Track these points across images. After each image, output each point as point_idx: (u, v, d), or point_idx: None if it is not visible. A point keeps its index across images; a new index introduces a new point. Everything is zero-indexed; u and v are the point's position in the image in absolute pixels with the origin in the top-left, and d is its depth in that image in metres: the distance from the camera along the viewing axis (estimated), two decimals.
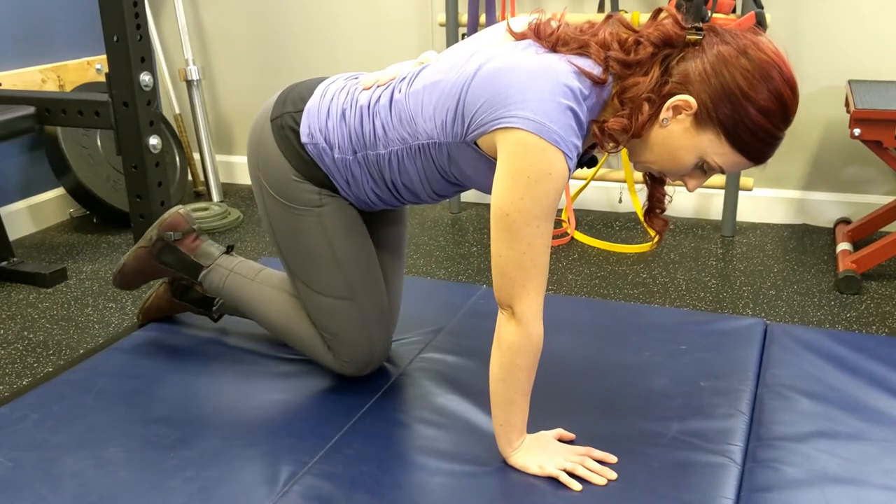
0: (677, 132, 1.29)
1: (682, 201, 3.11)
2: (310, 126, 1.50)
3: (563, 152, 1.24)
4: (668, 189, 1.48)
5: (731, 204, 2.92)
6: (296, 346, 1.72)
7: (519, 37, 1.37)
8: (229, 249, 1.82)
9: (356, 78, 1.55)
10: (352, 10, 3.35)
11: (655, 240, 1.51)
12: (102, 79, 3.10)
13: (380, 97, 1.46)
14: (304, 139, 1.51)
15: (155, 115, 2.48)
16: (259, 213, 1.64)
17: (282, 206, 1.56)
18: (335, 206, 1.56)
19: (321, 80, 1.58)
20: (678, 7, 2.50)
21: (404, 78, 1.46)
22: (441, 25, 3.09)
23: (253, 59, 3.54)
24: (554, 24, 1.34)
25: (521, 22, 1.40)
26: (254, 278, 1.75)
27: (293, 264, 1.61)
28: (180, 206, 1.86)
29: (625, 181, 3.02)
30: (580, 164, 1.47)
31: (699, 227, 3.03)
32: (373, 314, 1.63)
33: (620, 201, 3.15)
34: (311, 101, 1.53)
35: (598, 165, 1.55)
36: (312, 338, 1.67)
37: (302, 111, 1.52)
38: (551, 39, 1.32)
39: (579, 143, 1.28)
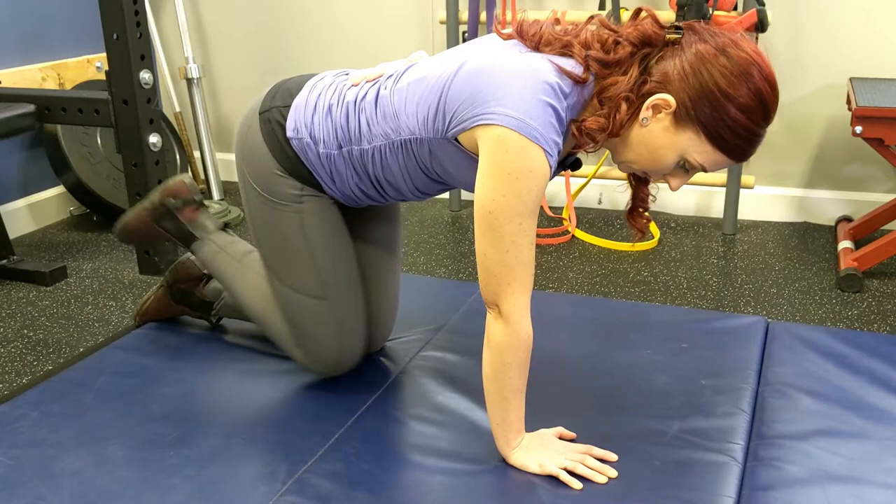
0: (657, 131, 1.29)
1: (683, 199, 3.10)
2: (296, 121, 1.51)
3: (544, 149, 1.25)
4: (653, 189, 1.49)
5: (732, 202, 2.92)
6: (270, 335, 1.72)
7: (505, 37, 1.38)
8: (225, 226, 1.82)
9: (346, 74, 1.55)
10: (352, 8, 3.34)
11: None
12: (102, 77, 3.09)
13: (366, 93, 1.46)
14: (289, 133, 1.51)
15: (155, 113, 2.48)
16: (242, 205, 1.62)
17: (263, 200, 1.56)
18: (316, 204, 1.55)
19: (310, 76, 1.59)
20: (680, 6, 2.50)
21: (391, 75, 1.46)
22: (441, 23, 3.08)
23: (253, 56, 3.54)
24: (538, 25, 1.35)
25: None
26: (241, 260, 1.74)
27: (269, 258, 1.61)
28: (185, 174, 1.87)
29: (625, 179, 3.02)
30: (564, 167, 1.48)
31: (700, 225, 3.03)
32: (346, 317, 1.62)
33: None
34: (300, 97, 1.53)
35: (595, 169, 1.56)
36: (286, 332, 1.66)
37: (290, 106, 1.52)
38: (534, 39, 1.32)
39: (560, 141, 1.28)
